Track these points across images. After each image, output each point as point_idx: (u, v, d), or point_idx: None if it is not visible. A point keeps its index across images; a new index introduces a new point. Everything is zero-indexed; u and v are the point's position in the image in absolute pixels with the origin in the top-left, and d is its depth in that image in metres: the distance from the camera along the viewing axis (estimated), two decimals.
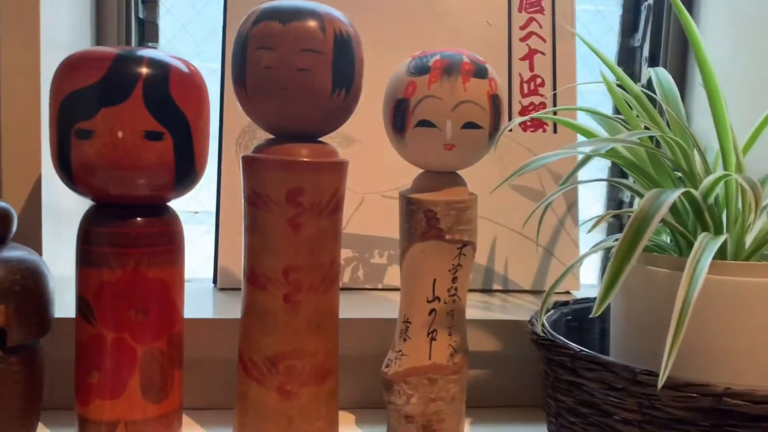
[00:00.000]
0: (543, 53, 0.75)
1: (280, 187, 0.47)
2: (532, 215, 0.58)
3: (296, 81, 0.45)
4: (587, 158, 0.51)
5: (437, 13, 0.73)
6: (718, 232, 0.48)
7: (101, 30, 0.69)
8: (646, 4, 0.81)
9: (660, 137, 0.49)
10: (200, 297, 0.66)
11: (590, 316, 0.42)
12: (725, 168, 0.47)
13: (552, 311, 0.57)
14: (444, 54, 0.49)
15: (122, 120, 0.44)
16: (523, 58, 0.74)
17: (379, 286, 0.70)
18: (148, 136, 0.45)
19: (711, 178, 0.44)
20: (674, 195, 0.42)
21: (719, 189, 0.47)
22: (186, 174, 0.48)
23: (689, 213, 0.48)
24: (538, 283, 0.73)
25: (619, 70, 0.51)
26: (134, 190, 0.47)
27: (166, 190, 0.48)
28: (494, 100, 0.49)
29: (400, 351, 0.53)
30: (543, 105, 0.74)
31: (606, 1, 0.83)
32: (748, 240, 0.48)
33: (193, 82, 0.47)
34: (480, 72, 0.48)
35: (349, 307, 0.64)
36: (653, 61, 0.80)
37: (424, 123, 0.48)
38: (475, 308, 0.65)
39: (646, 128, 0.50)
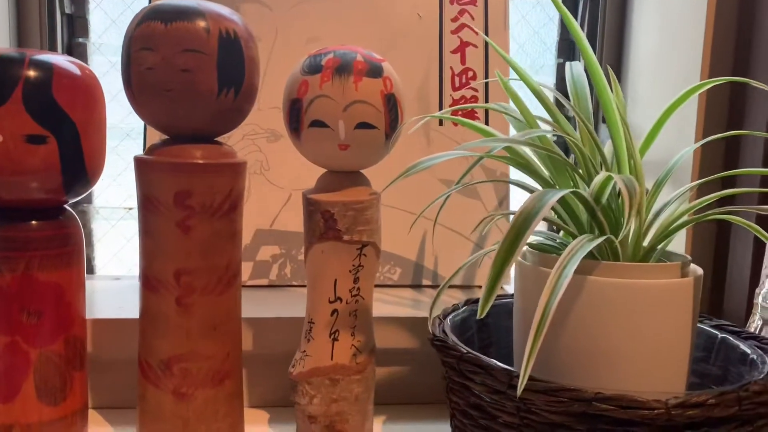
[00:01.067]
0: (475, 46, 0.74)
1: (168, 190, 0.46)
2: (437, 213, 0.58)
3: (179, 82, 0.45)
4: (479, 159, 0.50)
5: (366, 5, 0.72)
6: (613, 232, 0.47)
7: (22, 27, 0.69)
8: None
9: (564, 136, 0.48)
10: (126, 296, 0.66)
11: (477, 317, 0.42)
12: (619, 168, 0.47)
13: (464, 308, 0.57)
14: (337, 52, 0.48)
15: (1, 124, 0.44)
16: (454, 51, 0.74)
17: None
18: (30, 140, 0.44)
19: (599, 178, 0.44)
20: (557, 196, 0.42)
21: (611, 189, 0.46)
22: (76, 177, 0.47)
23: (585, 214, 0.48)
24: (468, 279, 0.72)
25: (518, 66, 0.50)
26: (22, 194, 0.46)
27: (57, 194, 0.47)
28: (389, 99, 0.48)
29: (304, 351, 0.52)
30: (475, 98, 0.73)
31: None
32: (649, 239, 0.47)
33: (81, 83, 0.47)
34: (373, 71, 0.48)
35: (273, 305, 0.64)
36: None
37: (317, 123, 0.48)
38: (398, 305, 0.65)
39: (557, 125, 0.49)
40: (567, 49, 0.83)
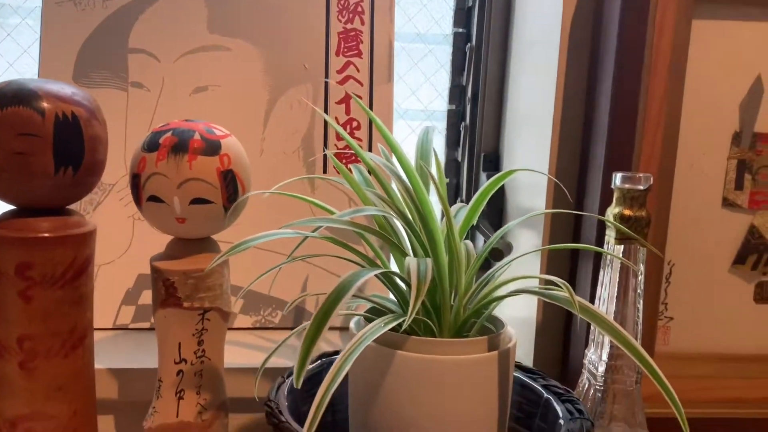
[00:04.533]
0: (360, 97, 0.77)
1: (9, 261, 0.49)
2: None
3: (13, 164, 0.47)
4: (304, 240, 0.53)
5: (255, 56, 0.75)
6: (434, 308, 0.50)
7: None
8: (469, 45, 0.83)
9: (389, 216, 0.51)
10: None
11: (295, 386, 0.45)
12: (431, 248, 0.49)
13: (318, 362, 0.60)
14: (176, 131, 0.51)
15: None
16: (339, 102, 0.76)
17: None
18: None
19: (409, 260, 0.47)
20: (366, 276, 0.45)
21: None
22: None
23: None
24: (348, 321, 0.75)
25: (353, 143, 0.53)
26: None
27: None
28: (226, 176, 0.51)
29: (154, 407, 0.55)
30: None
31: (438, 40, 0.85)
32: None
33: None
34: (210, 149, 0.50)
35: (151, 350, 0.66)
36: (475, 99, 0.82)
37: (154, 198, 0.50)
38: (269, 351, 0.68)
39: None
40: (458, 95, 0.86)
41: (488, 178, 0.84)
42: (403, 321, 0.48)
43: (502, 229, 0.54)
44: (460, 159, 0.86)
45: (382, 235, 0.50)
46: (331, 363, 0.61)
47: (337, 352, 0.61)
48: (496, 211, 0.81)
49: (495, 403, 0.48)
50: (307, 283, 0.75)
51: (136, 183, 0.51)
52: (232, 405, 0.59)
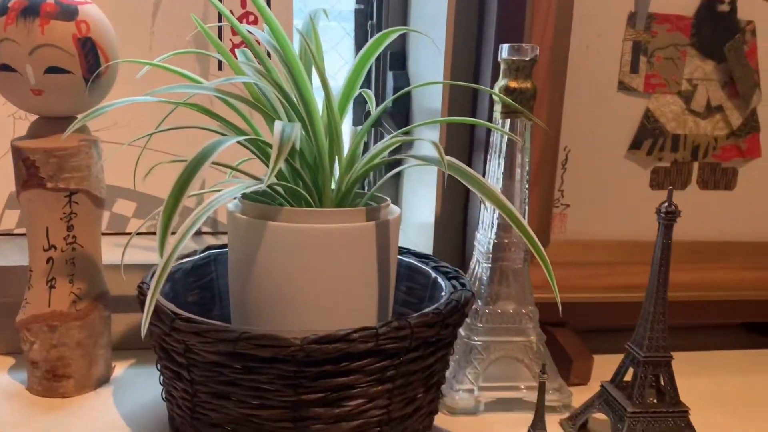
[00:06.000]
0: None
1: None
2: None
3: None
4: (175, 107, 0.50)
5: None
6: (313, 178, 0.49)
7: None
8: None
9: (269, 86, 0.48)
10: None
11: (161, 258, 0.43)
12: (308, 118, 0.47)
13: (205, 253, 0.58)
14: None
15: None
16: None
17: None
18: None
19: (276, 123, 0.44)
20: (228, 142, 0.42)
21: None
22: None
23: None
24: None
25: (232, 18, 0.50)
26: None
27: None
28: (84, 43, 0.47)
29: (26, 299, 0.52)
30: (258, 42, 0.73)
31: None
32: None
33: None
34: (65, 14, 0.47)
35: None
36: None
37: (5, 67, 0.46)
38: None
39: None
40: None
41: (395, 76, 0.82)
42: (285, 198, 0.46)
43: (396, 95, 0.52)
44: None
45: (249, 102, 0.47)
46: (218, 255, 0.59)
47: (225, 245, 0.59)
48: (402, 113, 0.79)
49: (374, 274, 0.47)
50: (204, 184, 0.72)
51: None
52: (127, 304, 0.56)
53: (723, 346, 0.72)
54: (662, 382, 0.48)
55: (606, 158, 0.64)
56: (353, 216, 0.46)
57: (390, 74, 0.79)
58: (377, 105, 0.82)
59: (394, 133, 0.48)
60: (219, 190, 0.44)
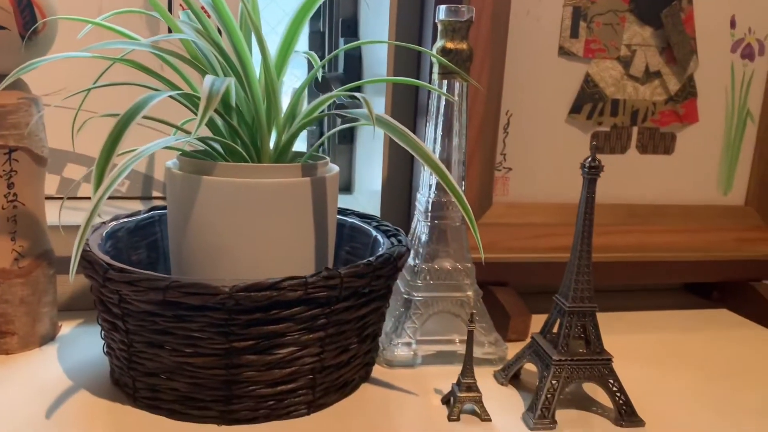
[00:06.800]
0: None
1: None
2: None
3: None
4: (111, 64, 0.50)
5: None
6: (249, 135, 0.50)
7: None
8: None
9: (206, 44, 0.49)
10: None
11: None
12: (244, 73, 0.48)
13: (150, 213, 0.59)
14: None
15: None
16: None
17: None
18: None
19: (206, 77, 0.45)
20: (160, 96, 0.43)
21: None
22: None
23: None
24: None
25: None
26: None
27: None
28: (19, 1, 0.48)
29: None
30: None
31: None
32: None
33: None
34: None
35: None
36: None
37: None
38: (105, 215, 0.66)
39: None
40: None
41: (346, 42, 0.83)
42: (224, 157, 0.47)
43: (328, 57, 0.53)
44: (322, 29, 0.83)
45: (186, 59, 0.48)
46: (163, 215, 0.60)
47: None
48: (354, 80, 0.79)
49: (310, 229, 0.48)
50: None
51: None
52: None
53: (664, 306, 0.75)
54: (588, 333, 0.50)
55: (547, 122, 0.66)
56: (288, 171, 0.47)
57: (342, 41, 0.80)
58: (330, 72, 0.83)
59: (331, 93, 0.49)
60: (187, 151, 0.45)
